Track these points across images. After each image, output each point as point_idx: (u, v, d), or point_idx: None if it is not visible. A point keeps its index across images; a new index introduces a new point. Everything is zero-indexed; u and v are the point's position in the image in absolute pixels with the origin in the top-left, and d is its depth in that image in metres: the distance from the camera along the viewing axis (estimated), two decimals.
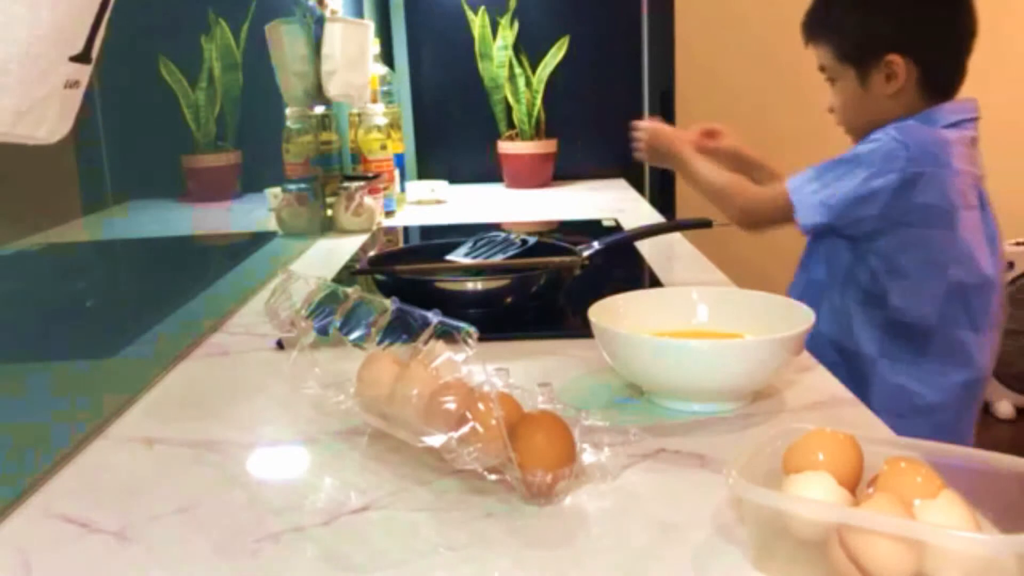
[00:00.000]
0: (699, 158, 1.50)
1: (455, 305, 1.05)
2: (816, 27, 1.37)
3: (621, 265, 1.35)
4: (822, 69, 1.38)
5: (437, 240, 1.33)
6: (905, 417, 1.27)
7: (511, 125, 2.41)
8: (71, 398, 0.78)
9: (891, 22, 1.30)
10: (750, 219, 1.42)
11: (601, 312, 0.82)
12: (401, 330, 0.70)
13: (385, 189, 1.86)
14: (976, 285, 1.27)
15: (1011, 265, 2.92)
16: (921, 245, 1.26)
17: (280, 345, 0.98)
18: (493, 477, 0.61)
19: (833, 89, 1.37)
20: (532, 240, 1.22)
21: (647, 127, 1.58)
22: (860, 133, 1.33)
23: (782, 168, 1.55)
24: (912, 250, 1.26)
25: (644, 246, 1.42)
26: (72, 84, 0.57)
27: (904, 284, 1.27)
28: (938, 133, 1.26)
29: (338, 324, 0.75)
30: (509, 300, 1.09)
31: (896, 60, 1.27)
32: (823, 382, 0.84)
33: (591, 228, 1.74)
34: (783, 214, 1.33)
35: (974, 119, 1.30)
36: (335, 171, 1.77)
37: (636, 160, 1.67)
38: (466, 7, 2.41)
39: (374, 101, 1.92)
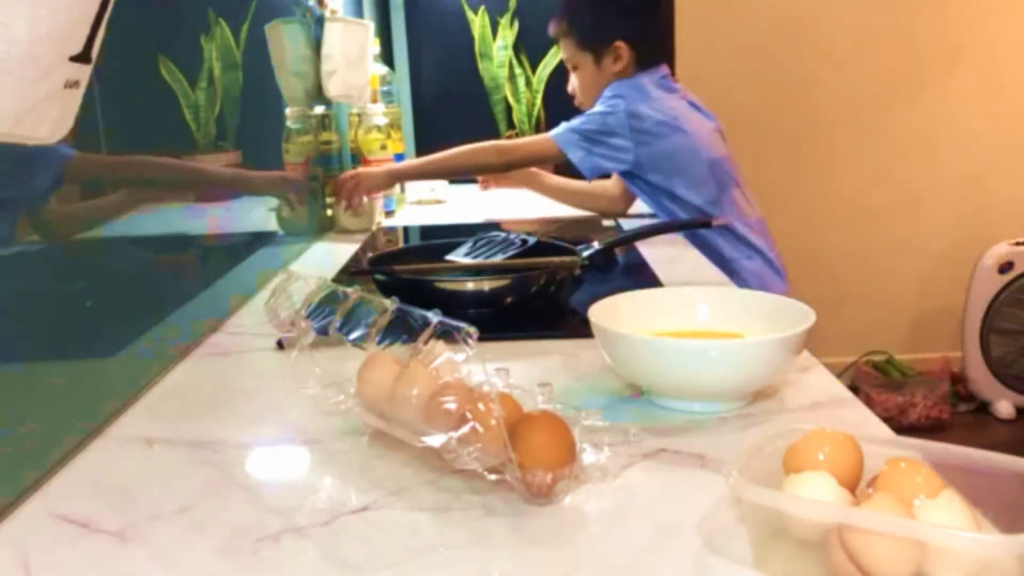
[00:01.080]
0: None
1: (455, 305, 1.05)
2: (560, 27, 1.77)
3: (621, 265, 1.35)
4: (567, 61, 1.79)
5: (437, 240, 1.33)
6: (750, 273, 1.69)
7: (511, 125, 2.41)
8: (71, 398, 0.78)
9: (618, 18, 1.73)
10: (505, 158, 1.77)
11: (601, 312, 0.82)
12: (401, 330, 0.70)
13: None
14: (721, 157, 1.71)
15: (1011, 265, 2.90)
16: (673, 150, 1.66)
17: (280, 345, 0.98)
18: (493, 477, 0.61)
19: (575, 75, 1.79)
20: (532, 240, 1.22)
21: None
22: (593, 104, 1.73)
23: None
24: (671, 156, 1.65)
25: (644, 246, 1.42)
26: (72, 84, 0.57)
27: (683, 181, 1.66)
28: (634, 80, 1.70)
29: (338, 324, 0.75)
30: (509, 300, 1.09)
31: (621, 46, 1.71)
32: (823, 382, 0.84)
33: (591, 228, 1.74)
34: (539, 155, 1.74)
35: (665, 75, 1.75)
36: (335, 171, 1.77)
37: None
38: (466, 7, 2.41)
39: (374, 101, 1.92)
